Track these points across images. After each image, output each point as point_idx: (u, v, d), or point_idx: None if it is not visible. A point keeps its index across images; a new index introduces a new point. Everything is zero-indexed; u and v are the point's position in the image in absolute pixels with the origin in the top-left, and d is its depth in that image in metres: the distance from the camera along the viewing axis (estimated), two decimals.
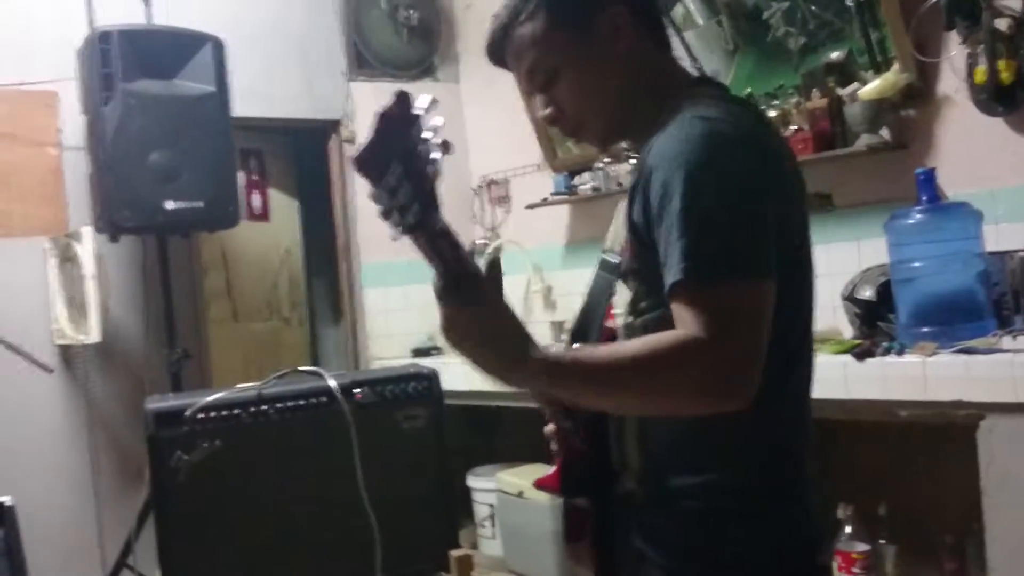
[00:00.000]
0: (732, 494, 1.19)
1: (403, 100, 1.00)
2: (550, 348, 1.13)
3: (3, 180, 3.69)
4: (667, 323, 1.12)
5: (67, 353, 3.74)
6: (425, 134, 1.01)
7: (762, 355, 1.07)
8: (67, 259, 3.62)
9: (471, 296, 1.07)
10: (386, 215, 1.01)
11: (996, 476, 2.40)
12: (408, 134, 1.00)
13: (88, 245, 3.43)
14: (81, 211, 3.71)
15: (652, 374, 1.07)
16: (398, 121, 1.00)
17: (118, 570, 3.35)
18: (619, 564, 1.33)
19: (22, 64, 3.71)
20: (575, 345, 1.35)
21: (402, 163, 0.99)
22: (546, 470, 1.40)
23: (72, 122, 3.71)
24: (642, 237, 1.17)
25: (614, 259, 1.33)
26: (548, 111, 1.30)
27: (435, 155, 1.01)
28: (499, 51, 1.32)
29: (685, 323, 1.07)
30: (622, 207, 1.27)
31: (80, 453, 3.78)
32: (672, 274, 1.09)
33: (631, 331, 1.24)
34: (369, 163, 1.00)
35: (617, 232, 1.33)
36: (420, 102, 1.01)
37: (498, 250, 4.66)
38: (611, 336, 1.31)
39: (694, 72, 1.41)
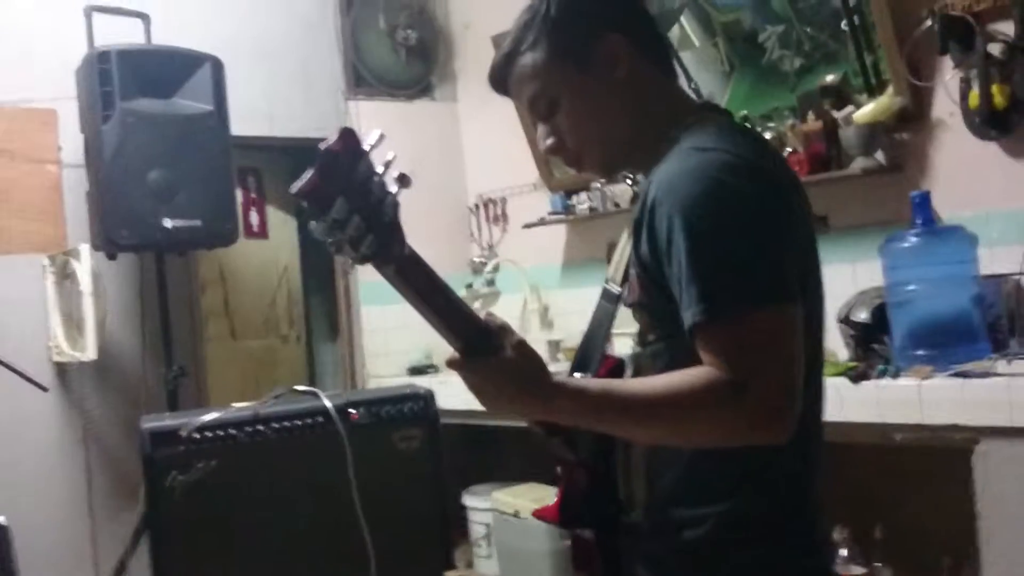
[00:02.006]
0: (737, 524, 1.18)
1: (347, 136, 1.01)
2: (568, 379, 1.13)
3: (2, 197, 3.69)
4: (675, 353, 1.13)
5: (63, 370, 3.74)
6: (377, 168, 1.02)
7: (796, 379, 1.06)
8: (65, 276, 3.62)
9: (484, 347, 1.08)
10: (337, 248, 1.03)
11: (991, 500, 2.40)
12: (355, 169, 1.01)
13: (86, 263, 3.44)
14: (79, 229, 3.71)
15: (684, 412, 1.08)
16: (342, 156, 1.00)
17: None
18: None
19: (21, 82, 3.72)
20: (576, 375, 1.34)
21: (348, 198, 1.00)
22: (542, 490, 1.40)
23: (71, 140, 3.72)
24: (650, 272, 1.16)
25: (615, 290, 1.33)
26: (550, 141, 1.30)
27: (391, 188, 1.03)
28: (502, 80, 1.32)
29: (712, 364, 1.06)
30: (625, 239, 1.27)
31: (75, 471, 3.77)
32: (690, 317, 1.08)
33: (639, 360, 1.26)
34: (311, 197, 1.00)
35: (618, 264, 1.33)
36: (370, 138, 1.03)
37: (495, 269, 4.67)
38: (612, 365, 1.33)
39: (696, 97, 1.41)
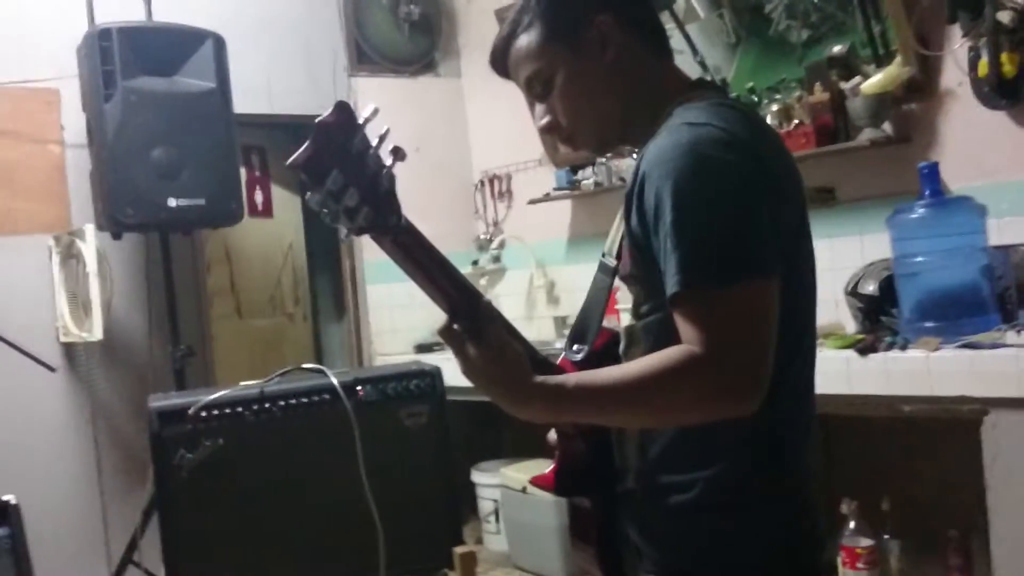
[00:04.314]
0: (726, 489, 1.20)
1: (342, 109, 1.04)
2: (546, 379, 1.15)
3: (6, 178, 3.69)
4: (667, 325, 1.15)
5: (71, 351, 3.75)
6: (372, 141, 1.05)
7: (767, 353, 1.09)
8: (70, 257, 3.62)
9: (472, 326, 1.13)
10: (333, 218, 1.06)
11: (1000, 471, 2.39)
12: (349, 142, 1.04)
13: (91, 243, 3.43)
14: (84, 209, 3.70)
15: (658, 394, 1.11)
16: (337, 130, 1.04)
17: (123, 567, 3.36)
18: (622, 562, 1.34)
19: (23, 62, 3.70)
20: (574, 346, 1.37)
21: (343, 170, 1.03)
22: (550, 466, 1.41)
23: (74, 119, 3.70)
24: (640, 243, 1.19)
25: (611, 263, 1.36)
26: (545, 120, 1.33)
27: (386, 161, 1.06)
28: (501, 62, 1.35)
29: (686, 336, 1.09)
30: (621, 212, 1.28)
31: (84, 451, 3.79)
32: (670, 286, 1.11)
33: (632, 333, 1.28)
34: (306, 168, 1.04)
35: (614, 237, 1.36)
36: (364, 111, 1.06)
37: (501, 246, 4.66)
38: (608, 336, 1.35)
39: (696, 73, 1.42)
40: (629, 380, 1.12)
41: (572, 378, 1.16)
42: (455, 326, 1.15)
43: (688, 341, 1.09)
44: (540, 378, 1.15)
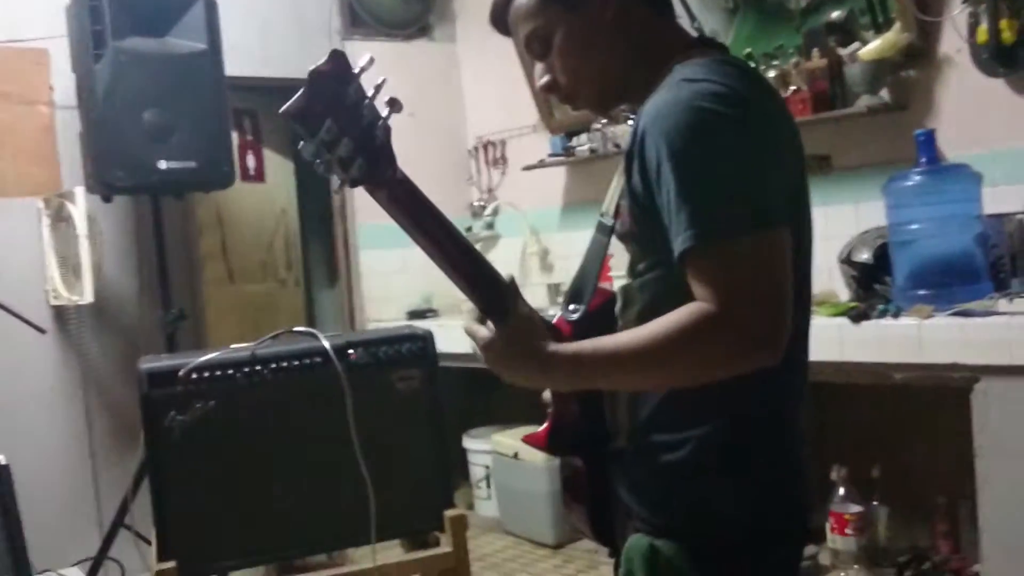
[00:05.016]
0: (715, 449, 1.20)
1: (337, 58, 1.03)
2: (561, 346, 1.16)
3: None
4: (664, 283, 1.15)
5: (61, 313, 3.73)
6: (368, 92, 1.04)
7: (784, 302, 1.07)
8: (60, 219, 3.59)
9: (500, 309, 1.16)
10: (326, 168, 1.05)
11: (990, 438, 2.41)
12: (344, 92, 1.03)
13: (81, 205, 3.40)
14: (75, 171, 3.67)
15: (677, 355, 1.09)
16: (331, 79, 1.03)
17: (115, 530, 3.36)
18: (613, 521, 1.34)
19: (11, 22, 3.66)
20: (571, 306, 1.36)
21: (337, 120, 1.02)
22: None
23: (64, 80, 3.66)
24: (641, 201, 1.18)
25: (608, 222, 1.35)
26: (545, 79, 1.32)
27: (382, 112, 1.05)
28: (502, 20, 1.34)
29: (699, 293, 1.08)
30: (619, 171, 1.27)
31: (75, 413, 3.78)
32: (679, 243, 1.09)
33: (628, 292, 1.27)
34: (300, 117, 1.03)
35: (612, 196, 1.35)
36: (360, 61, 1.05)
37: (495, 212, 4.64)
38: (605, 297, 1.34)
39: (694, 33, 1.40)
40: (646, 343, 1.10)
41: (587, 345, 1.15)
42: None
43: (701, 298, 1.07)
44: (554, 346, 1.15)
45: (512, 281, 1.20)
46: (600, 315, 1.32)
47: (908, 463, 3.09)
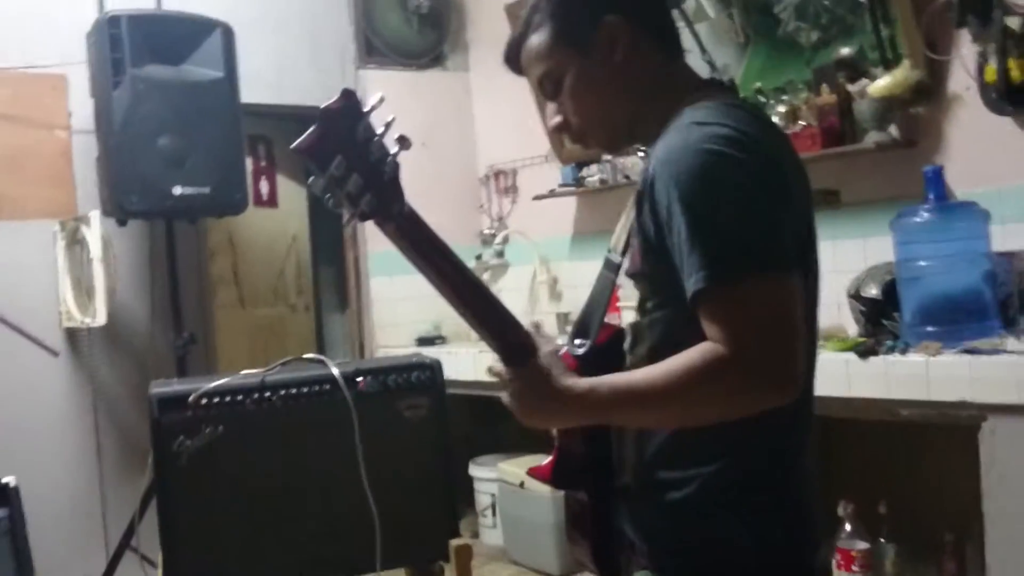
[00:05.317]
0: (721, 487, 1.20)
1: (347, 97, 1.07)
2: (576, 382, 1.17)
3: (13, 163, 3.70)
4: (672, 322, 1.17)
5: (73, 336, 3.76)
6: (378, 129, 1.07)
7: (795, 343, 1.08)
8: (75, 242, 3.63)
9: (521, 353, 1.18)
10: (336, 203, 1.08)
11: (997, 477, 2.40)
12: (354, 129, 1.06)
13: (96, 229, 3.44)
14: (90, 195, 3.71)
15: (688, 394, 1.10)
16: (342, 117, 1.06)
17: (121, 552, 3.37)
18: (618, 557, 1.35)
19: (31, 47, 3.71)
20: (576, 340, 1.37)
21: (347, 156, 1.05)
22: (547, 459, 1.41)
23: (81, 106, 3.71)
24: (651, 242, 1.19)
25: (616, 259, 1.37)
26: (556, 119, 1.34)
27: (391, 149, 1.08)
28: (515, 60, 1.37)
29: (712, 334, 1.09)
30: (629, 210, 1.29)
31: (84, 436, 3.80)
32: (692, 284, 1.10)
33: (638, 329, 1.28)
34: (311, 153, 1.06)
35: (620, 234, 1.37)
36: (370, 100, 1.08)
37: (505, 241, 4.66)
38: (611, 332, 1.35)
39: (704, 72, 1.42)
40: (660, 382, 1.11)
41: (604, 382, 1.16)
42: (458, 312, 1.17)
43: (714, 339, 1.08)
44: (568, 381, 1.17)
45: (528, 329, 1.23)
46: (606, 350, 1.33)
47: (915, 500, 3.07)
